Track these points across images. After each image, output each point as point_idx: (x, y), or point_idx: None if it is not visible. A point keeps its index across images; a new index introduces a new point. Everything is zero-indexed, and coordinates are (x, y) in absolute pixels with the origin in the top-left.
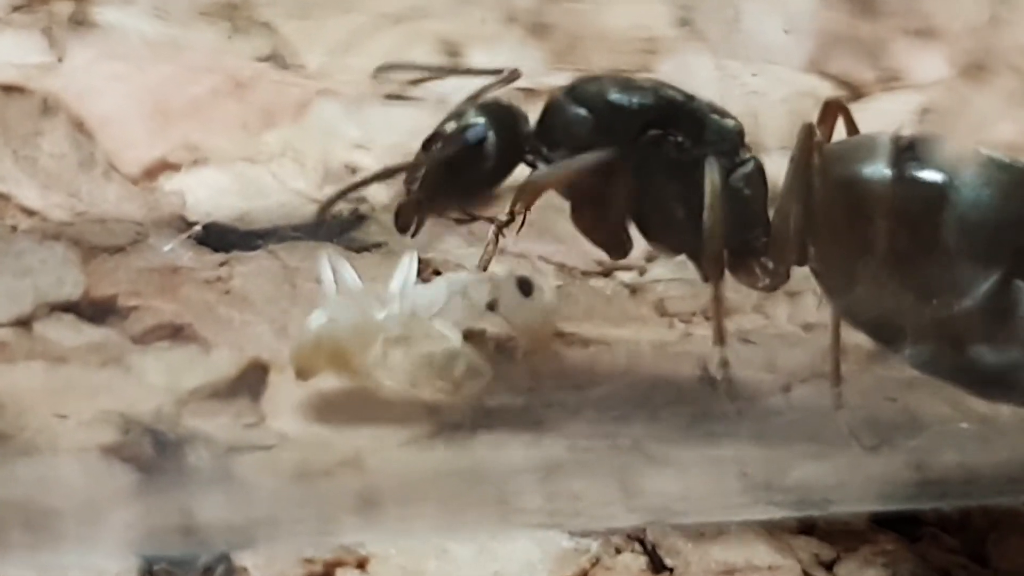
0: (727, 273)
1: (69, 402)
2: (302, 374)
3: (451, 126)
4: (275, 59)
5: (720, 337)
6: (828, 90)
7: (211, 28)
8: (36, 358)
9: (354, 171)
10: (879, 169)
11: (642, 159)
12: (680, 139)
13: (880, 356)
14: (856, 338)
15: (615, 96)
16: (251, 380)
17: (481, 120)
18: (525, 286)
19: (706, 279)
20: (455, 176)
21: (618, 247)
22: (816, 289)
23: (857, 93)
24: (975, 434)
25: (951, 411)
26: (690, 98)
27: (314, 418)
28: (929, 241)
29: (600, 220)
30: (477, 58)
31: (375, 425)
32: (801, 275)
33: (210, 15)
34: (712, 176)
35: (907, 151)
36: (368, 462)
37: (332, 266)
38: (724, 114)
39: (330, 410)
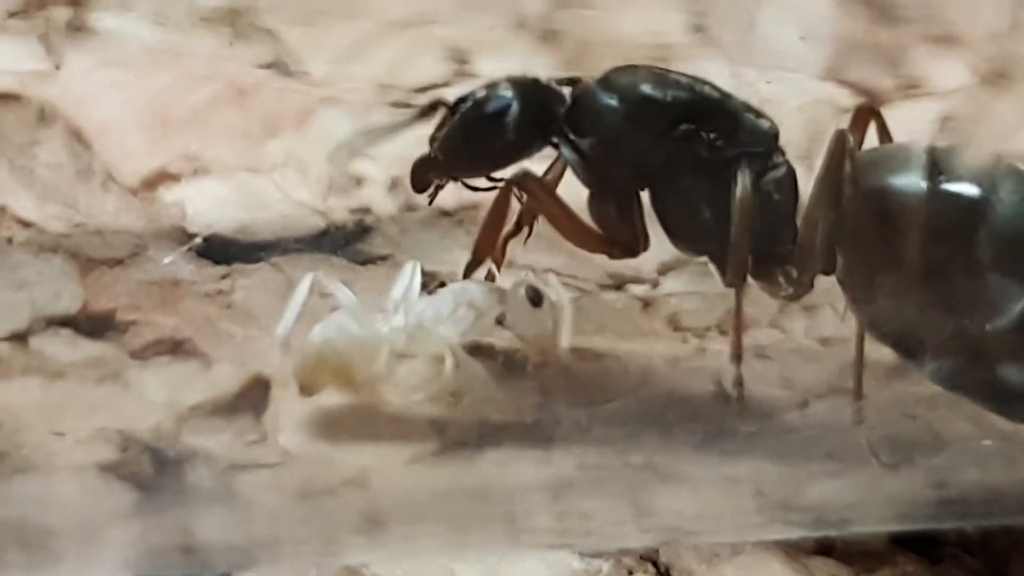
0: (749, 279)
1: (66, 419)
2: (306, 390)
3: (482, 92)
4: (278, 66)
5: (737, 354)
6: (846, 98)
7: (212, 34)
8: (33, 374)
9: (359, 181)
10: (913, 180)
11: (671, 154)
12: (712, 137)
13: (900, 372)
14: (876, 354)
15: (648, 88)
16: (253, 396)
17: (508, 93)
18: (535, 296)
19: (728, 285)
20: (473, 142)
21: (632, 243)
22: (835, 303)
23: (876, 101)
24: (997, 452)
25: (972, 429)
26: (726, 96)
27: (318, 435)
28: (963, 257)
29: (617, 212)
30: (485, 65)
31: (380, 442)
32: (818, 288)
33: (211, 21)
34: (744, 185)
35: (942, 163)
36: (373, 480)
37: (323, 286)
38: (759, 114)
39: (334, 427)
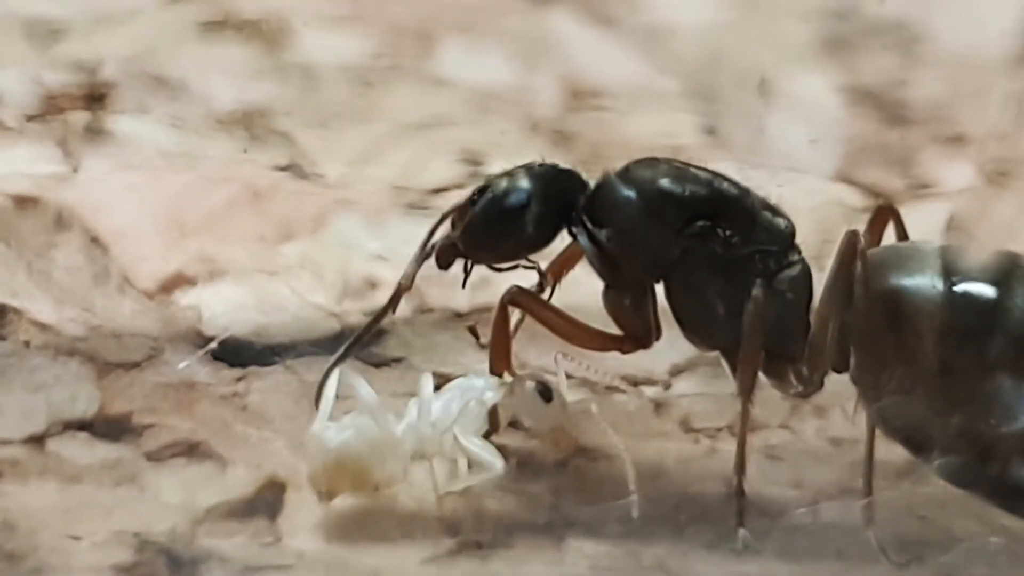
0: (761, 375)
1: (83, 522)
2: (325, 496)
3: (502, 183)
4: (293, 169)
5: (740, 464)
6: (856, 199)
7: (228, 138)
8: (50, 476)
9: (374, 284)
10: (927, 281)
11: (686, 249)
12: (728, 233)
13: (909, 472)
14: (885, 454)
15: (666, 182)
16: (268, 498)
17: (525, 183)
18: (544, 391)
19: (738, 394)
20: (490, 233)
21: (644, 336)
22: (844, 404)
23: (886, 202)
24: (1006, 550)
25: (981, 527)
26: (745, 193)
27: (332, 537)
28: (977, 358)
29: (632, 304)
30: (498, 167)
31: (394, 543)
32: (828, 390)
33: (227, 124)
34: (756, 300)
35: (955, 263)
36: None
37: (348, 382)
38: (777, 212)
39: (349, 528)
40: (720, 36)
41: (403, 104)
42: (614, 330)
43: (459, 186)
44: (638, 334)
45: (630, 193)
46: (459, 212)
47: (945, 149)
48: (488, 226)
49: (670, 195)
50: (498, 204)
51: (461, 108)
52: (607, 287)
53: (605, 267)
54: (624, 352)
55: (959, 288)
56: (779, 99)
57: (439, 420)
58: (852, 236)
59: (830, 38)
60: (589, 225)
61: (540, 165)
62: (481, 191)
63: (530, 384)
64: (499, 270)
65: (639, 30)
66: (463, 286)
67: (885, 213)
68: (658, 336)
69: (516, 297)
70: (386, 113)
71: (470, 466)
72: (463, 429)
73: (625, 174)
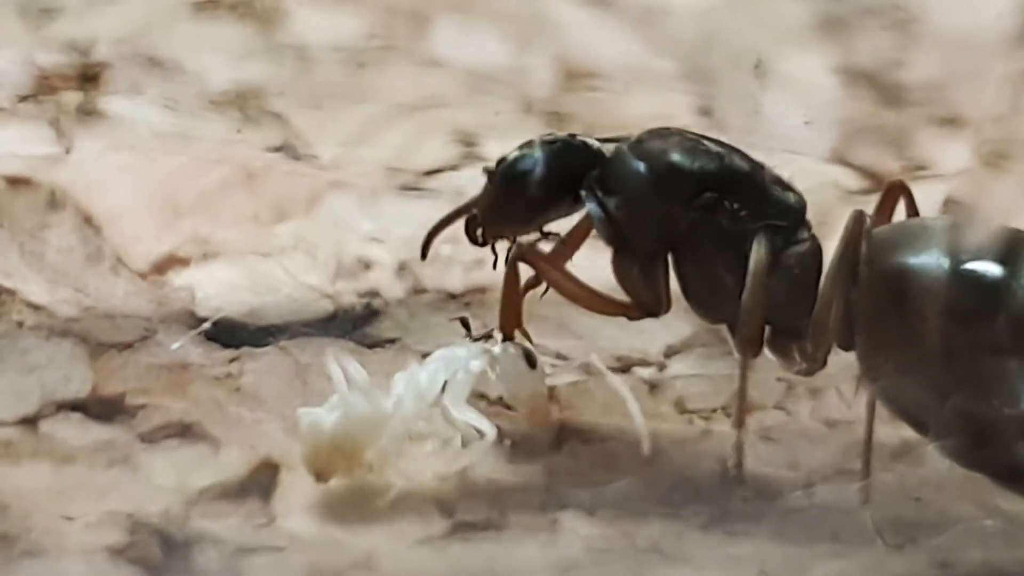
0: (765, 350)
1: (76, 503)
2: (321, 476)
3: (515, 154)
4: (287, 150)
5: (740, 421)
6: (852, 180)
7: (221, 118)
8: (42, 457)
9: (367, 265)
10: (931, 260)
11: (693, 222)
12: (735, 206)
13: (904, 454)
14: (881, 436)
15: (675, 155)
16: (262, 479)
17: (536, 154)
18: (529, 357)
19: (738, 351)
20: (503, 203)
21: (651, 303)
22: (840, 386)
23: (882, 184)
24: (1000, 532)
25: (976, 509)
26: (756, 167)
27: (326, 518)
28: (983, 339)
29: (640, 272)
30: (493, 148)
31: (388, 524)
32: (823, 372)
33: (220, 105)
34: (759, 253)
35: (962, 242)
36: (381, 562)
37: (339, 363)
38: (788, 188)
39: (342, 509)
40: (715, 17)
41: (397, 85)
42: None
43: (453, 167)
44: (644, 301)
45: (640, 163)
46: (482, 191)
47: (941, 130)
48: (499, 194)
49: (678, 167)
50: (509, 171)
51: (455, 89)
52: (615, 253)
53: (613, 234)
54: (631, 318)
55: (964, 267)
56: (775, 80)
57: (426, 392)
58: (859, 215)
59: (826, 19)
60: (599, 193)
61: (553, 135)
62: (499, 162)
63: (514, 349)
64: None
65: (634, 11)
66: (494, 266)
67: (896, 190)
68: (667, 307)
69: (525, 252)
70: (380, 94)
71: (463, 441)
72: (452, 400)
73: (637, 144)
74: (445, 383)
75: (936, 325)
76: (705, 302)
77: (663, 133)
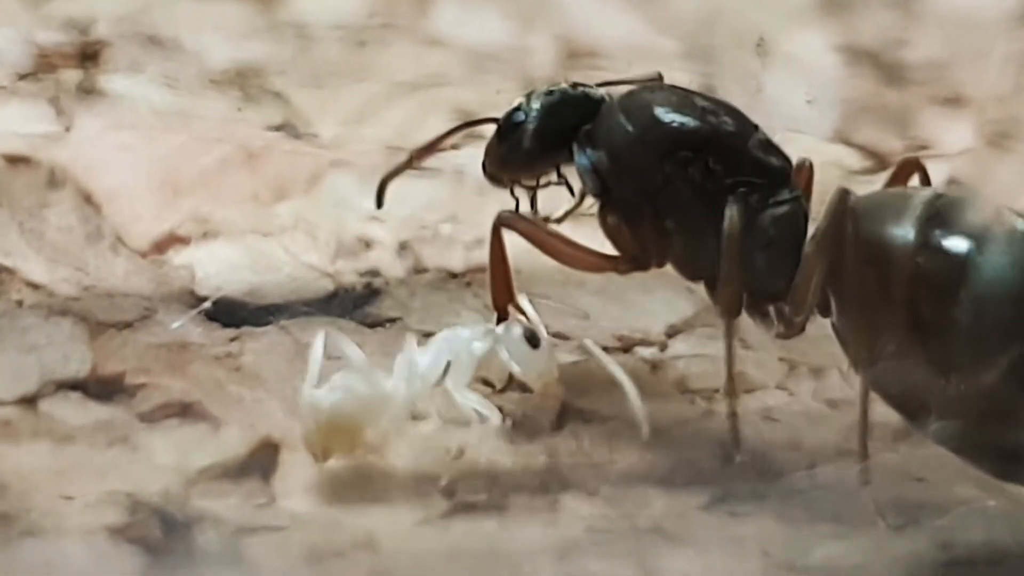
0: (744, 314)
1: (75, 482)
2: (321, 456)
3: (513, 105)
4: (287, 129)
5: (732, 390)
6: (855, 160)
7: (221, 97)
8: (42, 437)
9: (368, 244)
10: (904, 231)
11: (668, 180)
12: (711, 165)
13: (906, 435)
14: (882, 416)
15: (657, 111)
16: (262, 459)
17: (533, 105)
18: (532, 337)
19: (719, 316)
20: (501, 152)
21: (639, 257)
22: (842, 366)
23: (884, 163)
24: (1002, 513)
25: (978, 490)
26: (742, 127)
27: (326, 498)
28: (949, 311)
29: (624, 225)
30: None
31: (388, 505)
32: (825, 351)
33: (220, 84)
34: (731, 222)
35: (940, 214)
36: (382, 543)
37: (335, 344)
38: (770, 150)
39: (343, 489)
40: None
41: (398, 63)
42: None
43: (454, 146)
44: (632, 255)
45: (622, 118)
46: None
47: (944, 110)
48: (498, 143)
49: (655, 124)
50: (506, 122)
51: (456, 67)
52: (601, 206)
53: (597, 186)
54: (620, 273)
55: (933, 237)
56: (777, 59)
57: (428, 374)
58: (843, 195)
59: None
60: (589, 149)
61: (554, 87)
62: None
63: (517, 330)
64: (532, 192)
65: None
66: (515, 208)
67: (910, 166)
68: (659, 263)
69: (508, 220)
70: (381, 72)
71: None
72: (454, 382)
73: (625, 99)
74: (449, 365)
75: (903, 297)
76: (682, 259)
77: (650, 89)
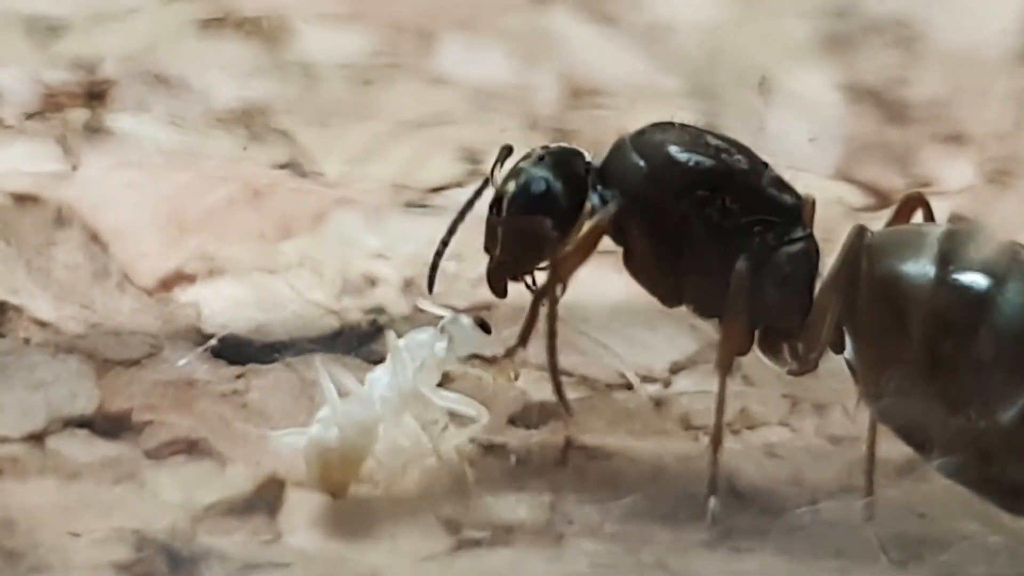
0: (755, 348)
1: (82, 519)
2: (338, 492)
3: (512, 184)
4: (293, 167)
5: (717, 439)
6: (856, 197)
7: (227, 136)
8: (49, 474)
9: (373, 282)
10: (922, 268)
11: (684, 218)
12: (727, 204)
13: (909, 470)
14: (885, 452)
15: (672, 149)
16: (267, 496)
17: (543, 172)
18: (483, 324)
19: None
20: (529, 231)
21: (664, 297)
22: (845, 402)
23: (886, 201)
24: (1005, 548)
25: (981, 526)
26: (756, 165)
27: (332, 534)
28: (967, 348)
29: (651, 267)
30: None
31: (393, 540)
32: (828, 387)
33: (226, 122)
34: (739, 274)
35: (954, 250)
36: None
37: (330, 374)
38: (785, 188)
39: (348, 525)
40: (720, 34)
41: (403, 102)
42: None
43: (459, 184)
44: (657, 295)
45: (636, 157)
46: (488, 234)
47: (945, 147)
48: (520, 224)
49: (671, 162)
50: (526, 197)
51: (461, 106)
52: (625, 254)
53: (615, 227)
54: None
55: (951, 274)
56: (779, 97)
57: (402, 383)
58: (860, 230)
59: (830, 36)
60: (600, 188)
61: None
62: (496, 202)
63: (466, 319)
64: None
65: (639, 28)
66: (534, 294)
67: (913, 202)
68: (676, 302)
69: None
70: (386, 111)
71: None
72: (427, 386)
73: (637, 137)
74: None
75: (921, 334)
76: (696, 297)
77: (663, 127)
